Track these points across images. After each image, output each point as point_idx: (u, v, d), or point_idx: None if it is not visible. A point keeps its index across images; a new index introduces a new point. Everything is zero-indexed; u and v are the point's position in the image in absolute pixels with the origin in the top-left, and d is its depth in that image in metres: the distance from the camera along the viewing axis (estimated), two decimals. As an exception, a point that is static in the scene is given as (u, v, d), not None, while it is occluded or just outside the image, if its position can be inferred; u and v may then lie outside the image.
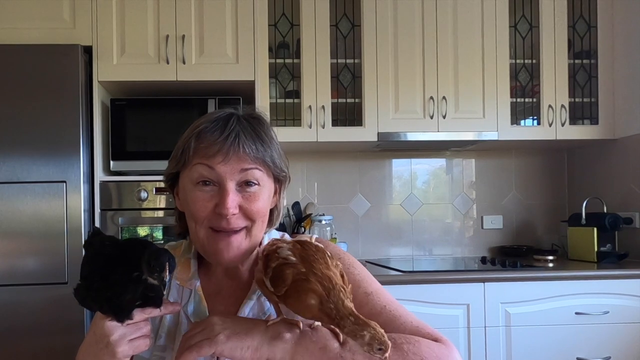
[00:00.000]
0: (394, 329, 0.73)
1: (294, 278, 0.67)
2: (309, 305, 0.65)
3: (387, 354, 0.61)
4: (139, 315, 0.68)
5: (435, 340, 0.72)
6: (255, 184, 0.76)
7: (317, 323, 0.70)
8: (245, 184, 0.76)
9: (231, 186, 0.74)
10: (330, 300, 0.63)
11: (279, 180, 0.82)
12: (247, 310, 0.79)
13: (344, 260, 0.84)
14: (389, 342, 0.61)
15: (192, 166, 0.76)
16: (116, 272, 0.66)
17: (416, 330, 0.73)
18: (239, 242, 0.76)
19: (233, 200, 0.74)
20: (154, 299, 0.68)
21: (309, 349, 0.67)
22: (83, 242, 0.76)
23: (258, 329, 0.69)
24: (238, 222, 0.76)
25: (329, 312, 0.63)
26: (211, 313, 0.78)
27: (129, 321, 0.67)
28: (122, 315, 0.67)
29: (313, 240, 0.93)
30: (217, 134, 0.74)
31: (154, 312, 0.70)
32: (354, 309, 0.64)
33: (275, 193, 0.82)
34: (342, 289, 0.65)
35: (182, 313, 0.79)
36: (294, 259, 0.69)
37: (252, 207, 0.76)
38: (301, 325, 0.70)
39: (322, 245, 0.73)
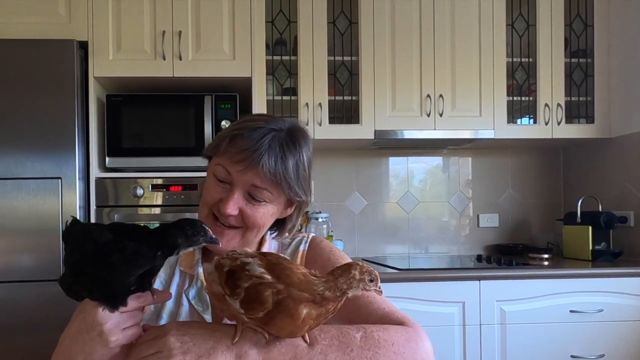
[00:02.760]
0: (367, 313, 0.76)
1: (274, 300, 0.61)
2: (299, 325, 0.61)
3: (379, 284, 0.62)
4: (133, 302, 0.66)
5: (404, 324, 0.73)
6: (261, 200, 0.81)
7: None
8: (252, 197, 0.80)
9: (238, 193, 0.80)
10: (319, 304, 0.62)
11: (294, 204, 0.86)
12: None
13: (334, 253, 0.87)
14: (374, 270, 0.62)
15: (216, 163, 0.82)
16: (113, 256, 0.63)
17: (387, 315, 0.74)
18: (230, 237, 0.82)
19: (234, 204, 0.79)
20: (144, 284, 0.67)
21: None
22: (61, 234, 0.73)
23: (221, 348, 0.63)
24: (233, 222, 0.81)
25: (319, 310, 0.62)
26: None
27: (123, 309, 0.65)
28: (117, 301, 0.65)
29: (309, 238, 0.93)
30: (248, 144, 0.78)
31: (148, 300, 0.68)
32: (327, 279, 0.62)
33: (286, 208, 0.86)
34: (314, 278, 0.62)
35: (183, 296, 0.83)
36: (269, 277, 0.62)
37: (250, 215, 0.80)
38: (266, 334, 0.65)
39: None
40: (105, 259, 0.63)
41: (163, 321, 0.80)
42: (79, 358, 0.66)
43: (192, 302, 0.82)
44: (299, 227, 0.93)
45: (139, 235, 0.66)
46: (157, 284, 0.86)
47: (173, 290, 0.84)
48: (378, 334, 0.68)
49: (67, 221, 0.71)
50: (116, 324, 0.65)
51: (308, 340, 0.66)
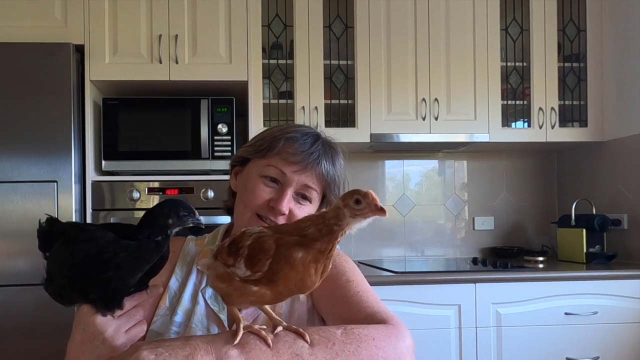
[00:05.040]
0: (356, 310, 0.78)
1: (277, 244, 0.61)
2: (302, 271, 0.59)
3: (371, 201, 0.58)
4: (129, 303, 0.67)
5: (387, 322, 0.74)
6: (309, 201, 0.85)
7: (279, 328, 0.66)
8: (301, 196, 0.84)
9: (291, 191, 0.83)
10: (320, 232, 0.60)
11: (325, 204, 0.89)
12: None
13: (340, 257, 0.88)
14: (361, 190, 0.59)
15: (268, 164, 0.84)
16: (119, 255, 0.61)
17: (372, 314, 0.76)
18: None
19: (288, 203, 0.82)
20: (144, 283, 0.67)
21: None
22: (39, 229, 0.69)
23: (200, 352, 0.61)
24: (282, 220, 0.83)
25: (312, 252, 0.60)
26: None
27: (119, 312, 0.65)
28: (114, 303, 0.64)
29: None
30: (305, 146, 0.83)
31: (143, 297, 0.69)
32: (316, 219, 0.61)
33: (319, 209, 0.89)
34: (306, 222, 0.62)
35: (200, 295, 0.84)
36: (268, 231, 0.64)
37: (297, 215, 0.83)
38: (270, 340, 0.64)
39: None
40: (112, 259, 0.61)
41: (178, 317, 0.81)
42: None
43: (209, 301, 0.83)
44: None
45: (129, 230, 0.65)
46: (173, 281, 0.86)
47: (189, 288, 0.84)
48: (358, 330, 0.69)
49: (41, 220, 0.68)
50: (117, 329, 0.65)
51: (308, 340, 0.65)
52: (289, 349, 0.63)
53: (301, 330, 0.66)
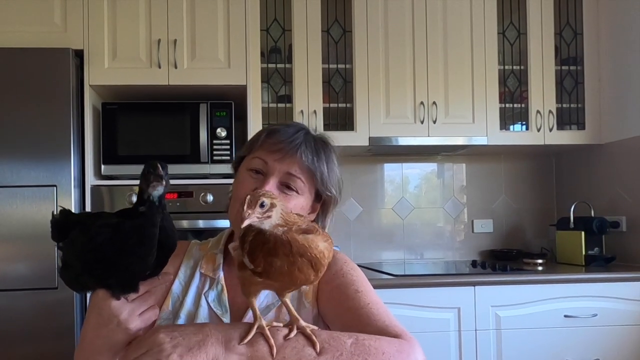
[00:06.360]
0: (366, 324, 0.77)
1: (274, 239, 0.63)
2: (292, 262, 0.62)
3: (266, 204, 0.62)
4: (142, 287, 0.70)
5: (400, 337, 0.73)
6: (294, 190, 0.84)
7: (293, 332, 0.68)
8: (286, 187, 0.83)
9: (274, 180, 0.82)
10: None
11: (324, 200, 0.89)
12: (262, 297, 0.84)
13: (348, 265, 0.88)
14: (255, 194, 0.62)
15: (253, 156, 0.86)
16: (132, 238, 0.64)
17: (385, 328, 0.75)
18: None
19: (271, 188, 0.81)
20: (158, 268, 0.69)
21: None
22: (52, 220, 0.73)
23: (210, 340, 0.65)
24: None
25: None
26: (231, 302, 0.84)
27: (134, 295, 0.69)
28: (130, 287, 0.67)
29: None
30: (285, 136, 0.84)
31: (155, 282, 0.72)
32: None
33: (314, 211, 0.89)
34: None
35: (203, 298, 0.84)
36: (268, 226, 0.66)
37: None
38: (274, 350, 0.65)
39: None
40: (126, 242, 0.64)
41: (180, 321, 0.81)
42: (104, 349, 0.69)
43: (212, 305, 0.83)
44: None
45: (126, 213, 0.68)
46: (176, 284, 0.86)
47: (192, 291, 0.85)
48: (369, 342, 0.68)
49: (54, 212, 0.73)
50: (131, 312, 0.69)
51: (318, 349, 0.66)
52: (295, 355, 0.65)
53: (314, 338, 0.67)
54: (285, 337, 0.67)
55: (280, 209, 0.64)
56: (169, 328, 0.67)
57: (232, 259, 0.86)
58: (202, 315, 0.82)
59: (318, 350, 0.66)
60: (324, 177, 0.86)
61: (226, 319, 0.82)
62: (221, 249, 0.90)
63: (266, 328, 0.67)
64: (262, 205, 0.62)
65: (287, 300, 0.71)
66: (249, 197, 0.62)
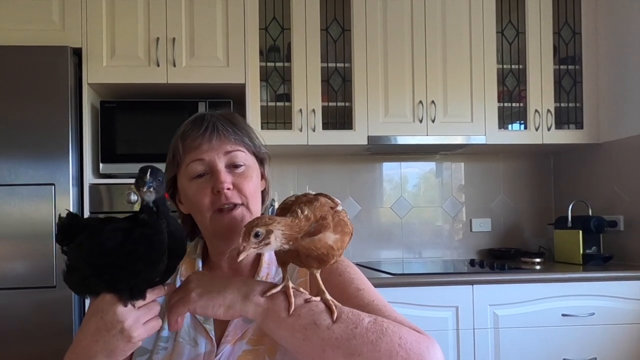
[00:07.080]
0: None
1: (282, 251, 0.68)
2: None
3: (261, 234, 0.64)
4: (149, 295, 0.69)
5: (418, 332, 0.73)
6: (242, 165, 0.84)
7: (316, 298, 0.70)
8: (233, 167, 0.84)
9: (221, 166, 0.82)
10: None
11: (262, 161, 0.90)
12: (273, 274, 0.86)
13: (343, 262, 0.87)
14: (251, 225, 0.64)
15: (185, 166, 0.84)
16: (142, 244, 0.64)
17: (399, 322, 0.74)
18: (242, 215, 0.82)
19: (225, 175, 0.81)
20: (166, 276, 0.70)
21: (280, 316, 0.68)
22: (59, 223, 0.73)
23: (232, 288, 0.70)
24: (234, 197, 0.82)
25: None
26: None
27: (142, 302, 0.67)
28: (139, 294, 0.66)
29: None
30: (197, 129, 0.84)
31: (161, 292, 0.72)
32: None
33: (262, 177, 0.90)
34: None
35: None
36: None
37: (243, 184, 0.83)
38: (292, 306, 0.69)
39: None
40: (137, 247, 0.64)
41: (164, 332, 0.80)
42: (100, 355, 0.67)
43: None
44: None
45: (132, 219, 0.67)
46: None
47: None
48: (388, 324, 0.68)
49: (61, 214, 0.72)
50: (136, 320, 0.67)
51: (334, 317, 0.68)
52: (311, 316, 0.68)
53: (334, 308, 0.69)
54: (307, 300, 0.70)
55: (279, 231, 0.64)
56: (200, 274, 0.75)
57: (212, 263, 0.88)
58: (185, 324, 0.80)
59: (334, 318, 0.67)
60: (253, 139, 0.88)
61: (209, 325, 0.80)
62: (199, 253, 0.89)
63: (291, 289, 0.70)
64: (257, 235, 0.63)
65: (317, 274, 0.73)
66: (243, 228, 0.64)
